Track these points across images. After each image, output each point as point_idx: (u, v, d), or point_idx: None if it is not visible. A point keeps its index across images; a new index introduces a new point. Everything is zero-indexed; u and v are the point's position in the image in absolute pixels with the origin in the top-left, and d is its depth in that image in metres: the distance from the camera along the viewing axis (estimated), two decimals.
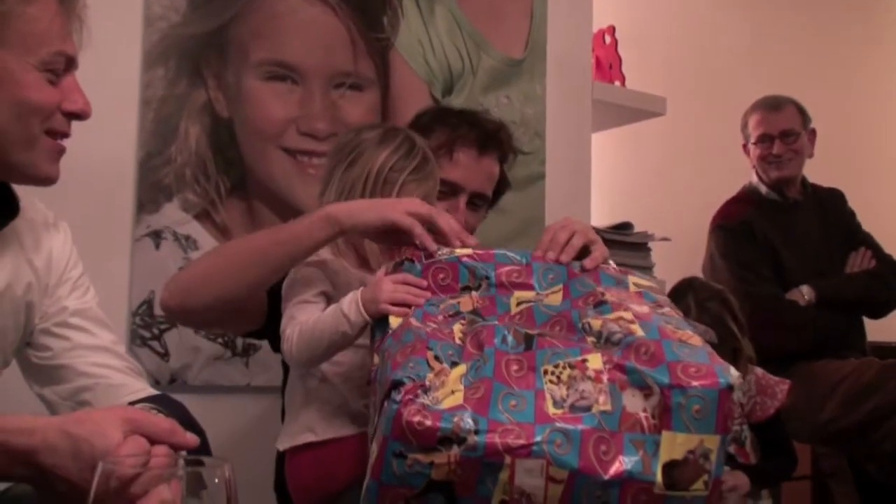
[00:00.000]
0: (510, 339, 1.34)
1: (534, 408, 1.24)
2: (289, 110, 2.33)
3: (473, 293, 1.44)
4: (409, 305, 1.41)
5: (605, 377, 1.27)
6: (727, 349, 2.26)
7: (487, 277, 1.46)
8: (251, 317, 1.77)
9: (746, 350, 2.38)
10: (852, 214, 3.34)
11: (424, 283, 1.44)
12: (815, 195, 3.31)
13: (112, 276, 2.11)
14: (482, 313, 1.41)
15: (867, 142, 4.30)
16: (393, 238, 1.54)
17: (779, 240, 3.12)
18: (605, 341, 1.32)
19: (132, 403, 1.36)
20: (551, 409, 1.24)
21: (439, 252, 1.48)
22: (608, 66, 3.13)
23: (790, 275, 3.09)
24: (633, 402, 1.24)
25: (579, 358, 1.29)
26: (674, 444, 1.22)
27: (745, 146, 3.31)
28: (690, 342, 1.31)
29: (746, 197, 3.27)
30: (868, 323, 3.24)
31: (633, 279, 1.51)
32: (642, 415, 1.24)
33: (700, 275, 3.26)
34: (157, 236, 2.17)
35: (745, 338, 2.38)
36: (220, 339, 2.21)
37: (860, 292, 3.11)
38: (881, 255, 3.21)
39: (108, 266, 2.10)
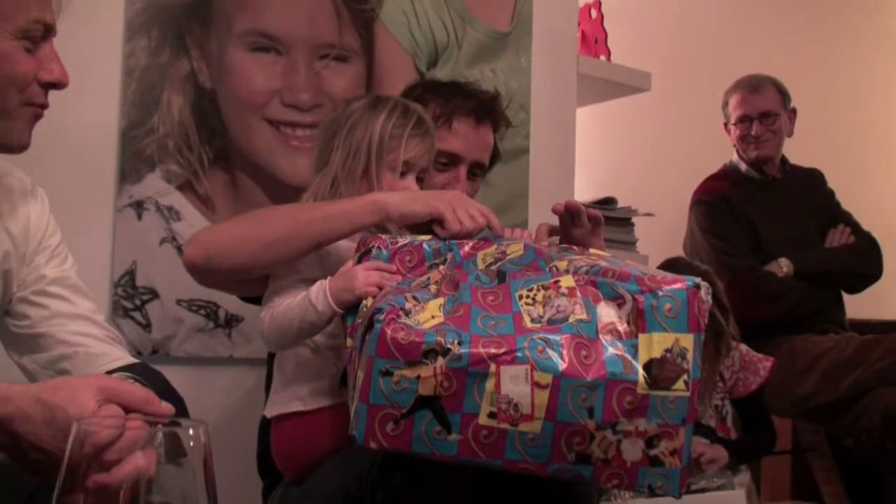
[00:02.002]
0: (483, 276, 1.38)
1: (513, 325, 1.27)
2: (272, 81, 2.31)
3: (441, 267, 1.47)
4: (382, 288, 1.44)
5: (578, 293, 1.31)
6: (710, 330, 2.27)
7: (451, 250, 1.49)
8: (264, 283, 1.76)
9: (730, 330, 2.38)
10: (832, 194, 3.37)
11: (394, 267, 1.46)
12: (794, 174, 3.34)
13: (94, 247, 2.10)
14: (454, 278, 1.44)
15: (850, 120, 4.31)
16: (430, 228, 1.57)
17: (758, 215, 3.15)
18: (574, 272, 1.36)
19: (110, 372, 1.35)
20: (529, 325, 1.27)
21: (402, 239, 1.51)
22: (594, 40, 3.13)
23: (769, 249, 3.11)
24: (608, 313, 1.29)
25: (552, 280, 1.33)
26: (651, 344, 1.26)
27: (725, 125, 3.34)
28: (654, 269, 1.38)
29: (726, 174, 3.30)
30: (848, 299, 3.26)
31: (594, 250, 1.56)
32: (618, 323, 1.28)
33: (682, 251, 3.29)
34: (139, 207, 2.16)
35: (730, 320, 2.38)
36: (202, 311, 2.21)
37: (839, 266, 3.14)
38: (859, 231, 3.24)
39: (89, 236, 2.09)
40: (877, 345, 2.87)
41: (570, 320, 1.27)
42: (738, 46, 3.98)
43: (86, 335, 1.44)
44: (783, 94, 3.27)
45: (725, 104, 3.32)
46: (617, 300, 1.30)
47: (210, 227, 1.73)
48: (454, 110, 1.94)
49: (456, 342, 1.23)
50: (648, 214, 2.93)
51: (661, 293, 1.28)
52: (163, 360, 2.16)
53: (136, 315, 2.15)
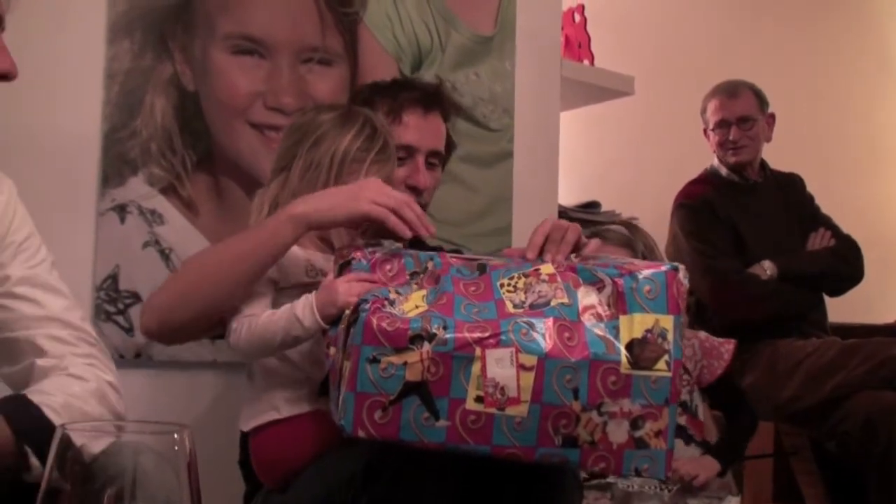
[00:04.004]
0: (464, 270, 1.40)
1: (496, 311, 1.29)
2: (256, 84, 2.31)
3: (422, 276, 1.46)
4: None
5: (558, 278, 1.34)
6: None
7: (432, 259, 1.48)
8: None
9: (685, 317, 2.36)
10: (811, 198, 3.40)
11: (376, 276, 1.45)
12: (774, 178, 3.36)
13: (76, 251, 2.08)
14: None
15: (831, 125, 4.33)
16: (362, 226, 1.56)
17: (739, 219, 3.17)
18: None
19: None
20: (512, 310, 1.30)
21: (383, 246, 1.49)
22: (577, 44, 3.14)
23: (751, 252, 3.13)
24: (588, 297, 1.32)
25: (532, 268, 1.36)
26: (632, 325, 1.29)
27: (705, 131, 3.35)
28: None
29: (707, 178, 3.32)
30: (830, 303, 3.28)
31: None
32: (598, 306, 1.31)
33: (664, 254, 3.30)
34: (122, 210, 2.15)
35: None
36: None
37: (821, 268, 3.16)
38: (840, 234, 3.26)
39: (72, 240, 2.07)
40: (859, 349, 2.89)
41: (553, 304, 1.30)
42: (722, 51, 4.00)
43: (49, 338, 1.39)
44: (761, 99, 3.30)
45: (704, 110, 3.34)
46: (596, 284, 1.33)
47: (156, 290, 1.74)
48: (402, 104, 1.96)
49: (441, 327, 1.24)
50: (632, 219, 2.94)
51: (640, 276, 1.32)
52: (146, 364, 2.15)
53: (119, 319, 2.13)
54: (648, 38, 3.82)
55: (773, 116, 3.33)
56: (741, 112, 3.25)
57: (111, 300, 2.13)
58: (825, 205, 3.38)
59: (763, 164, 3.35)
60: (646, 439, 1.28)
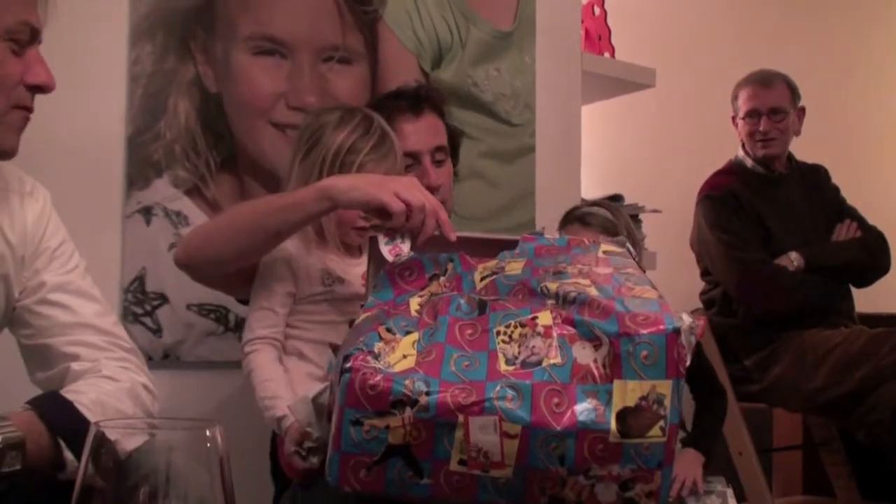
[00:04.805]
0: (464, 305, 1.37)
1: (486, 367, 1.26)
2: (277, 85, 2.32)
3: (441, 279, 1.46)
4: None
5: (554, 332, 1.29)
6: None
7: (452, 260, 1.48)
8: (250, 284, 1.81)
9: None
10: (836, 189, 3.37)
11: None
12: (799, 169, 3.34)
13: (103, 253, 2.10)
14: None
15: (854, 117, 4.30)
16: (380, 215, 1.57)
17: (765, 210, 3.14)
18: (562, 301, 1.34)
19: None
20: (503, 367, 1.26)
21: (398, 256, 1.50)
22: (597, 37, 3.13)
23: (777, 243, 3.11)
24: (583, 354, 1.27)
25: (529, 316, 1.32)
26: (625, 392, 1.24)
27: (734, 118, 3.32)
28: (645, 296, 1.34)
29: (732, 169, 3.29)
30: (857, 293, 3.25)
31: (604, 246, 1.53)
32: (593, 366, 1.26)
33: (689, 246, 3.28)
34: (147, 213, 2.16)
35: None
36: (212, 315, 2.21)
37: (848, 259, 3.13)
38: (866, 225, 3.24)
39: (98, 243, 2.09)
40: (887, 338, 2.86)
41: (544, 364, 1.26)
42: (743, 41, 3.97)
43: (83, 344, 1.41)
44: (793, 92, 3.26)
45: (735, 97, 3.31)
46: (593, 341, 1.28)
47: (194, 227, 1.83)
48: (392, 115, 1.99)
49: (424, 392, 1.22)
50: (655, 211, 2.93)
51: (637, 339, 1.25)
52: (174, 364, 2.16)
53: (147, 320, 2.15)
54: (669, 30, 3.80)
55: (803, 110, 3.30)
56: (773, 103, 3.22)
57: (138, 302, 2.14)
58: (850, 195, 3.36)
59: (789, 156, 3.32)
60: (636, 499, 1.25)
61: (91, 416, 1.28)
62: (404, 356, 1.27)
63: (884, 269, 3.21)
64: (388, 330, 1.32)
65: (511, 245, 1.51)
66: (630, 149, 3.69)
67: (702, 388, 2.20)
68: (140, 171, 2.16)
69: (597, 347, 1.27)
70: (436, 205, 1.56)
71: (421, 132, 2.03)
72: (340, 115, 1.79)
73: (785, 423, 3.60)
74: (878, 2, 4.45)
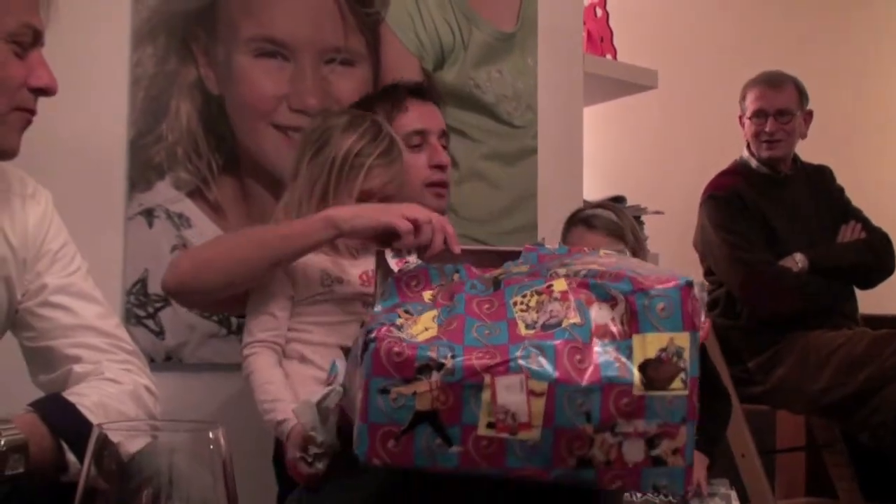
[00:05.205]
0: (479, 285, 1.39)
1: (507, 333, 1.28)
2: (280, 87, 2.31)
3: (439, 289, 1.47)
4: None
5: (571, 296, 1.31)
6: None
7: (458, 271, 1.49)
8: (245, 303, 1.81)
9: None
10: (841, 190, 3.37)
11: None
12: (804, 170, 3.34)
13: (105, 255, 2.10)
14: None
15: (856, 118, 4.30)
16: (389, 239, 1.59)
17: (770, 211, 3.14)
18: (573, 276, 1.37)
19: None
20: (524, 331, 1.28)
21: (406, 264, 1.52)
22: (599, 39, 3.13)
23: (782, 244, 3.11)
24: (601, 314, 1.29)
25: (544, 285, 1.34)
26: (645, 345, 1.26)
27: (741, 118, 3.32)
28: (652, 267, 1.39)
29: (737, 169, 3.29)
30: (861, 294, 3.25)
31: (604, 251, 1.56)
32: (611, 324, 1.28)
33: (692, 247, 3.28)
34: (149, 215, 2.16)
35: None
36: (214, 317, 2.21)
37: (853, 261, 3.13)
38: (871, 227, 3.24)
39: (100, 245, 2.09)
40: (890, 340, 2.86)
41: (564, 325, 1.28)
42: (745, 43, 3.97)
43: (85, 347, 1.42)
44: (802, 94, 3.26)
45: (743, 97, 3.31)
46: (609, 301, 1.30)
47: (184, 251, 1.83)
48: (401, 96, 2.05)
49: (449, 356, 1.23)
50: (658, 213, 2.93)
51: (652, 293, 1.28)
52: (176, 366, 2.16)
53: (149, 323, 2.15)
54: (671, 31, 3.80)
55: (810, 113, 3.30)
56: (781, 105, 3.22)
57: (141, 304, 2.14)
58: (853, 196, 3.36)
59: (794, 157, 3.32)
60: (663, 457, 1.26)
61: (93, 419, 1.28)
62: (426, 328, 1.30)
63: (889, 270, 3.21)
64: (406, 311, 1.34)
65: (514, 256, 1.52)
66: (632, 150, 3.69)
67: (705, 390, 2.19)
68: (142, 173, 2.16)
69: (613, 306, 1.30)
70: (442, 220, 1.59)
71: (428, 113, 2.07)
72: (349, 119, 1.80)
73: (788, 424, 3.60)
74: (880, 2, 4.45)
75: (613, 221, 2.09)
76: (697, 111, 3.79)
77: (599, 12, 3.14)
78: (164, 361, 2.15)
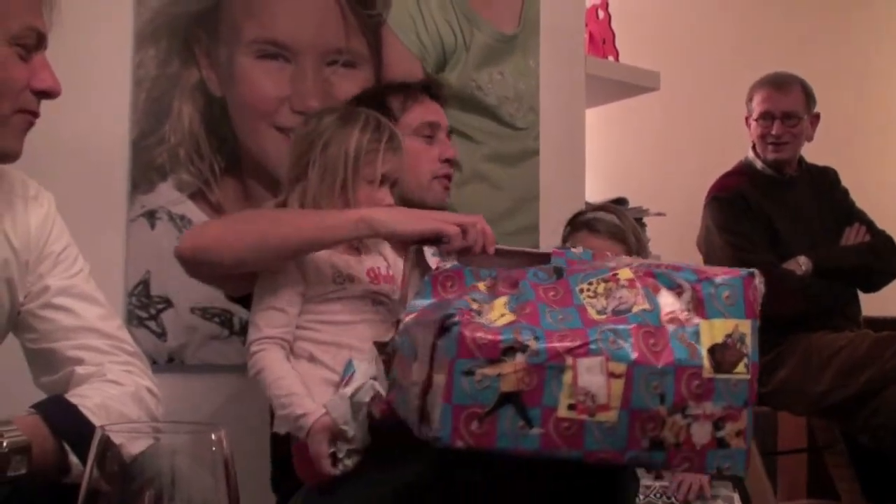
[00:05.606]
0: (541, 273, 1.43)
1: (580, 318, 1.32)
2: (281, 88, 2.32)
3: (496, 280, 1.50)
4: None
5: (638, 283, 1.37)
6: None
7: (492, 275, 1.51)
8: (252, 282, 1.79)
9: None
10: (845, 192, 3.36)
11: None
12: (809, 172, 3.33)
13: (107, 257, 2.10)
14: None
15: (858, 119, 4.30)
16: (426, 242, 1.61)
17: (774, 213, 3.14)
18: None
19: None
20: (595, 317, 1.33)
21: (442, 264, 1.55)
22: (601, 41, 3.13)
23: (786, 247, 3.10)
24: (668, 302, 1.35)
25: (610, 273, 1.39)
26: (712, 330, 1.33)
27: (747, 119, 3.31)
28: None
29: (742, 171, 3.28)
30: (863, 296, 3.25)
31: (631, 258, 1.62)
32: (679, 311, 1.34)
33: (695, 249, 3.28)
34: (151, 216, 2.16)
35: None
36: (216, 319, 2.21)
37: (856, 264, 3.13)
38: (875, 230, 3.23)
39: (103, 247, 2.09)
40: (892, 341, 2.86)
41: (635, 310, 1.33)
42: (747, 44, 3.97)
43: (87, 348, 1.41)
44: (809, 97, 3.25)
45: (750, 98, 3.30)
46: (675, 289, 1.36)
47: (205, 222, 1.80)
48: (414, 91, 2.08)
49: (532, 338, 1.27)
50: (660, 214, 2.93)
51: (718, 281, 1.35)
52: (178, 368, 2.16)
53: (151, 324, 2.15)
54: (673, 33, 3.80)
55: (817, 116, 3.29)
56: (787, 107, 3.21)
57: (143, 306, 2.14)
58: (856, 198, 3.35)
59: (799, 159, 3.31)
60: (727, 439, 1.32)
61: (96, 420, 1.28)
62: (501, 314, 1.33)
63: (892, 273, 3.20)
64: (474, 300, 1.37)
65: (543, 258, 1.55)
66: (634, 152, 3.69)
67: None
68: (144, 174, 2.16)
69: (679, 294, 1.35)
70: (482, 222, 1.63)
71: (438, 110, 2.10)
72: (342, 113, 1.80)
73: (789, 426, 3.60)
74: (881, 3, 4.45)
75: (616, 224, 2.10)
76: (699, 113, 3.79)
77: (601, 14, 3.14)
78: (165, 363, 2.15)
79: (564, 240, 2.11)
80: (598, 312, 1.33)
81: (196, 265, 1.71)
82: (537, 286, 1.38)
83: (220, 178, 2.24)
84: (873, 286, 3.21)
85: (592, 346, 1.27)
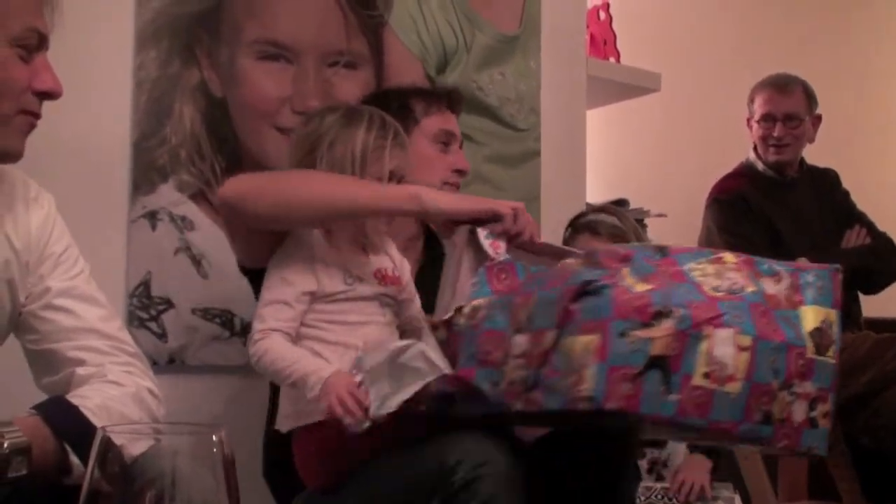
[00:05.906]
0: (646, 252, 1.46)
1: (698, 291, 1.36)
2: (282, 89, 2.32)
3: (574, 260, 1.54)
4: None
5: (742, 267, 1.43)
6: None
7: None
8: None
9: None
10: (846, 194, 3.36)
11: (367, 402, 1.46)
12: (810, 173, 3.33)
13: (108, 258, 2.10)
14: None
15: (859, 120, 4.29)
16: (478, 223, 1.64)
17: (776, 214, 3.14)
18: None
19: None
20: (714, 294, 1.37)
21: (497, 252, 1.60)
22: (602, 42, 3.13)
23: (787, 249, 3.09)
24: (770, 286, 1.42)
25: (714, 256, 1.44)
26: (810, 315, 1.41)
27: (748, 120, 3.31)
28: None
29: (743, 172, 3.28)
30: (864, 298, 3.25)
31: None
32: (780, 296, 1.41)
33: None
34: (152, 217, 2.16)
35: None
36: (217, 320, 2.21)
37: (857, 266, 3.12)
38: (876, 232, 3.23)
39: (104, 247, 2.09)
40: (893, 342, 2.85)
41: (746, 292, 1.38)
42: (748, 45, 3.97)
43: (88, 349, 1.41)
44: (810, 99, 3.25)
45: (751, 100, 3.29)
46: (773, 276, 1.43)
47: (253, 174, 1.82)
48: (437, 99, 2.09)
49: (678, 305, 1.31)
50: (661, 215, 2.93)
51: (813, 272, 1.44)
52: (179, 369, 2.16)
53: (152, 325, 2.15)
54: (674, 34, 3.80)
55: (819, 118, 3.29)
56: (789, 109, 3.21)
57: (143, 307, 2.14)
58: (856, 199, 3.35)
59: (800, 160, 3.31)
60: (817, 419, 1.38)
61: (97, 421, 1.28)
62: (635, 283, 1.36)
63: (893, 275, 3.20)
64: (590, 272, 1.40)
65: (589, 256, 1.57)
66: (634, 153, 3.69)
67: None
68: (145, 175, 2.16)
69: (778, 281, 1.42)
70: (522, 208, 1.66)
71: (455, 120, 2.11)
72: (344, 111, 1.77)
73: None
74: (881, 3, 4.44)
75: (617, 226, 2.10)
76: (700, 114, 3.79)
77: (602, 15, 3.14)
78: (166, 364, 2.15)
79: (565, 242, 2.11)
80: (715, 290, 1.37)
81: (239, 212, 1.67)
82: (648, 260, 1.42)
83: (222, 179, 2.24)
84: (874, 288, 3.21)
85: (725, 318, 1.31)
